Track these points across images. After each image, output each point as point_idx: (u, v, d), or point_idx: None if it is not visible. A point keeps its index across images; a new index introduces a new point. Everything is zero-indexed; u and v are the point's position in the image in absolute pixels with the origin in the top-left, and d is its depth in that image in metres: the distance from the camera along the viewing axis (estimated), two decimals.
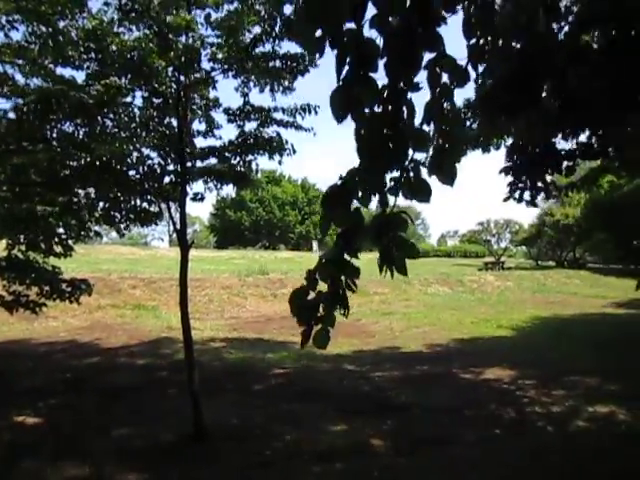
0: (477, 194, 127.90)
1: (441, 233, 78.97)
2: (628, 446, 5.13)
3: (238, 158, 5.95)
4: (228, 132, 6.08)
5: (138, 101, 5.68)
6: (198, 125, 6.04)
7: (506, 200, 5.93)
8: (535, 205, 5.82)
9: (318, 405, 6.47)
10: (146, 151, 5.77)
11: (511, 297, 21.12)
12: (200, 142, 6.07)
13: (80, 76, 5.45)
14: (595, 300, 20.44)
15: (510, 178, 5.96)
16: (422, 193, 1.72)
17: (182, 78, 5.28)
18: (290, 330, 12.59)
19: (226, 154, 5.94)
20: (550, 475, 4.46)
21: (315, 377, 8.00)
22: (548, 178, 5.98)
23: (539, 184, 5.85)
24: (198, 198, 6.12)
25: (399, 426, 5.71)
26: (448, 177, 1.69)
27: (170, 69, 5.21)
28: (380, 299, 18.69)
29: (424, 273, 24.73)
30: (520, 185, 5.85)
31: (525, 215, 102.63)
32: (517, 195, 5.87)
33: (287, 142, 5.94)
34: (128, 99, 5.58)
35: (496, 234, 42.56)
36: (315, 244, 53.51)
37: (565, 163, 5.88)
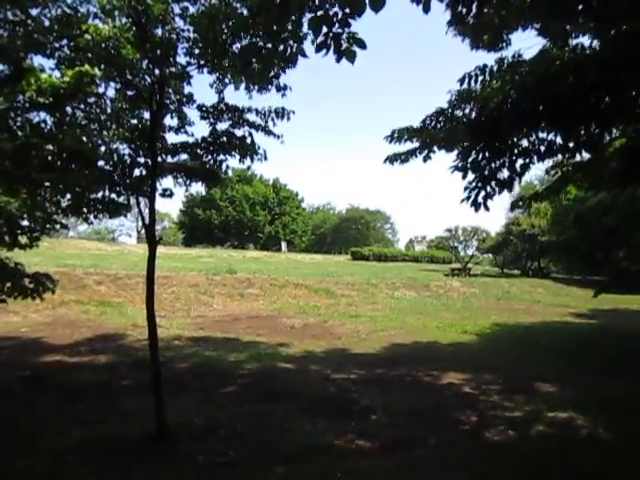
0: (446, 201, 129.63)
1: (409, 238, 79.78)
2: (587, 450, 5.27)
3: (209, 156, 5.91)
4: (200, 130, 6.04)
5: (110, 92, 5.58)
6: (170, 120, 5.97)
7: (463, 201, 5.96)
8: (487, 208, 5.85)
9: (283, 406, 6.46)
10: (116, 144, 5.67)
11: (476, 303, 21.48)
12: (171, 138, 6.00)
13: (51, 65, 5.33)
14: (557, 309, 20.96)
15: (470, 177, 6.00)
16: None
17: (157, 71, 5.20)
18: (257, 330, 12.58)
19: (198, 151, 5.89)
20: (511, 477, 4.54)
21: (281, 378, 7.98)
22: (502, 176, 6.00)
23: (492, 184, 5.90)
24: (167, 194, 6.05)
25: (363, 428, 5.73)
26: None
27: (145, 61, 5.13)
28: (347, 302, 18.79)
29: (391, 277, 25.00)
30: (474, 185, 5.90)
31: (492, 223, 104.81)
32: (472, 196, 5.89)
33: (259, 147, 5.94)
34: (100, 90, 5.48)
35: (463, 241, 43.35)
36: (284, 244, 53.44)
37: (520, 161, 5.97)
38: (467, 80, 6.23)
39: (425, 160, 7.04)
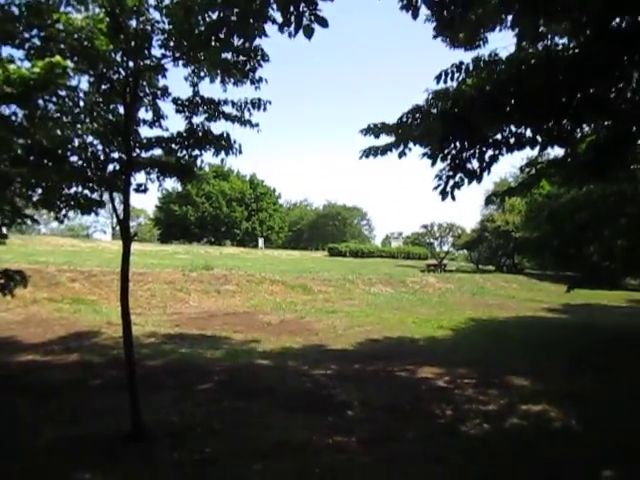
0: (422, 197, 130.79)
1: (386, 234, 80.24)
2: (559, 442, 5.38)
3: (184, 151, 5.83)
4: (175, 123, 5.95)
5: (84, 85, 5.46)
6: (144, 114, 5.86)
7: (434, 189, 6.02)
8: (453, 197, 5.92)
9: (260, 402, 6.43)
10: (90, 138, 5.56)
11: (451, 299, 21.72)
12: (145, 132, 5.90)
13: (20, 56, 5.18)
14: (531, 304, 21.34)
15: (441, 166, 6.05)
16: None
17: (131, 64, 5.10)
18: (233, 326, 12.51)
19: (173, 146, 5.81)
20: (486, 470, 4.60)
21: (258, 374, 7.95)
22: (471, 167, 6.07)
23: (461, 174, 5.97)
24: (141, 189, 5.95)
25: (340, 423, 5.74)
26: None
27: (119, 54, 5.03)
28: (324, 298, 18.81)
29: (368, 273, 25.11)
30: (444, 174, 5.96)
31: (468, 220, 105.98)
32: (442, 184, 5.96)
33: (235, 142, 5.88)
34: (73, 82, 5.35)
35: (439, 237, 43.57)
36: (261, 241, 53.21)
37: (489, 152, 6.05)
38: (444, 77, 6.26)
39: (400, 156, 7.07)
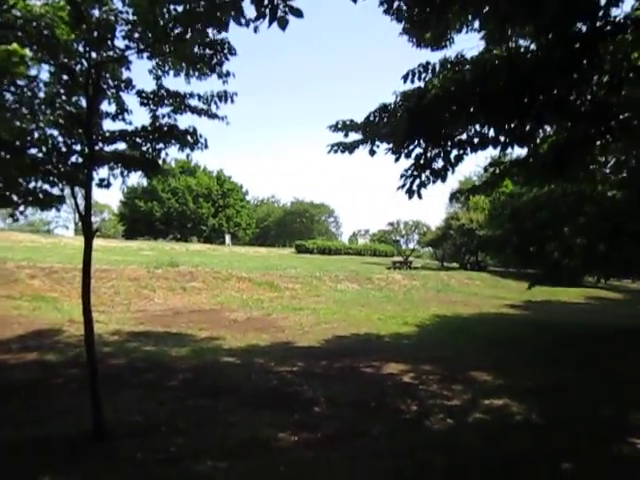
0: (389, 195, 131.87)
1: (353, 231, 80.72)
2: (521, 435, 5.51)
3: (149, 145, 5.72)
4: (139, 117, 5.82)
5: (44, 75, 5.29)
6: (108, 107, 5.73)
7: (399, 189, 6.08)
8: (420, 196, 6.00)
9: (226, 400, 6.38)
10: (50, 130, 5.39)
11: (416, 296, 21.98)
12: (108, 125, 5.77)
13: None
14: (494, 300, 21.80)
15: (406, 165, 6.12)
16: None
17: (94, 55, 4.97)
18: (199, 324, 12.37)
19: (137, 140, 5.69)
20: (450, 464, 4.67)
21: (223, 372, 7.88)
22: (436, 166, 6.16)
23: (427, 173, 6.05)
24: (104, 184, 5.81)
25: (306, 420, 5.75)
26: None
27: (81, 44, 4.88)
28: (291, 295, 18.79)
29: (335, 270, 25.20)
30: (409, 174, 6.03)
31: (433, 218, 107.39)
32: (407, 184, 6.02)
33: (201, 136, 5.80)
34: (33, 72, 5.17)
35: (405, 235, 44.22)
36: (228, 237, 52.82)
37: (454, 152, 6.15)
38: (410, 77, 6.31)
39: (372, 154, 7.11)
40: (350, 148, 7.13)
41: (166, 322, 12.54)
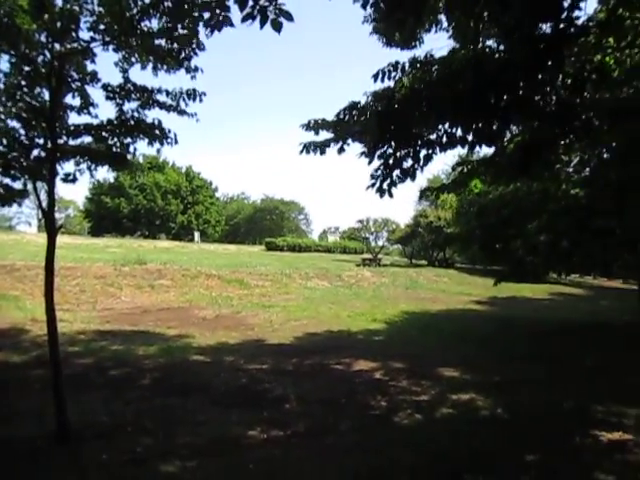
0: (359, 192, 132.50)
1: (323, 229, 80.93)
2: (487, 429, 5.61)
3: (116, 139, 5.60)
4: (105, 111, 5.68)
5: (4, 66, 5.11)
6: (72, 100, 5.57)
7: (368, 188, 6.12)
8: (391, 195, 6.05)
9: (195, 398, 6.31)
10: (11, 122, 5.22)
11: (385, 292, 22.15)
12: (74, 119, 5.60)
13: None
14: (461, 297, 22.14)
15: (376, 165, 6.15)
16: None
17: (57, 46, 4.82)
18: (167, 322, 12.21)
19: (103, 134, 5.56)
20: (418, 458, 4.72)
21: (192, 370, 7.80)
22: (406, 165, 6.21)
23: (397, 172, 6.10)
24: (70, 179, 5.66)
25: (276, 417, 5.73)
26: None
27: (44, 34, 4.73)
28: (260, 292, 18.69)
29: (305, 267, 25.20)
30: (379, 173, 6.07)
31: (402, 216, 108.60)
32: (378, 183, 6.06)
33: (170, 131, 5.71)
34: None
35: (374, 232, 44.53)
36: (197, 235, 52.22)
37: (423, 151, 6.21)
38: (380, 76, 6.33)
39: (340, 152, 7.11)
40: (322, 148, 7.11)
41: (133, 320, 12.33)
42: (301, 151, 7.24)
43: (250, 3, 3.21)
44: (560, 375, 8.55)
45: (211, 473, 4.32)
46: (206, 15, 3.82)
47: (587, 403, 6.74)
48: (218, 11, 3.80)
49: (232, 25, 3.85)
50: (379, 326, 13.28)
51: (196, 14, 3.84)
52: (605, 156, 10.84)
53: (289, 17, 3.26)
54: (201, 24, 3.95)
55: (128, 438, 4.95)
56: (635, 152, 8.35)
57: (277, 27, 3.27)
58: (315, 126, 7.24)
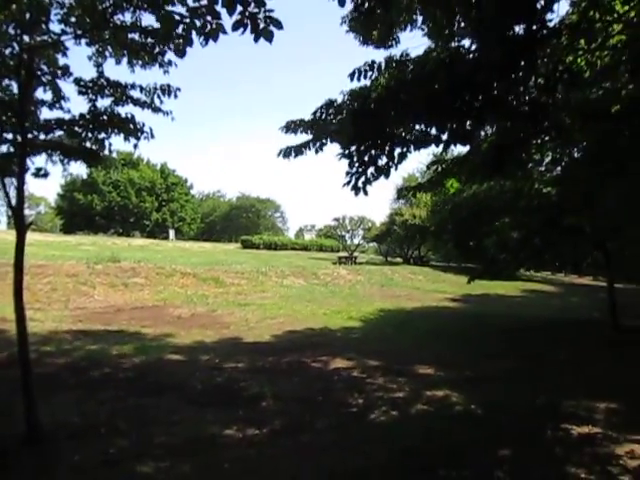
0: (335, 190, 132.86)
1: (299, 227, 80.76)
2: (461, 424, 5.69)
3: (89, 134, 5.49)
4: (78, 106, 5.57)
5: None
6: (43, 94, 5.43)
7: (344, 186, 6.14)
8: (366, 193, 6.09)
9: (169, 398, 6.24)
10: None
11: (361, 290, 22.24)
12: (45, 113, 5.48)
13: None
14: (435, 294, 22.36)
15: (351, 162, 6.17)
16: None
17: (26, 38, 4.70)
18: (141, 321, 12.05)
19: (76, 128, 5.44)
20: (393, 454, 4.76)
21: (167, 369, 7.71)
22: (380, 163, 6.24)
23: (371, 170, 6.13)
24: (41, 174, 5.54)
25: (252, 416, 5.70)
26: None
27: (11, 26, 4.60)
28: (236, 290, 18.60)
29: (281, 265, 25.16)
30: (354, 171, 6.10)
31: (378, 213, 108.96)
32: (353, 181, 6.09)
33: (144, 125, 5.62)
34: None
35: (350, 230, 44.58)
36: (172, 232, 51.67)
37: (398, 149, 6.25)
38: (357, 75, 6.34)
39: (317, 152, 7.08)
40: (299, 150, 7.05)
41: (107, 319, 12.14)
42: (278, 154, 7.18)
43: (239, 9, 3.19)
44: (532, 371, 8.71)
45: (186, 473, 4.27)
46: (198, 23, 3.75)
47: (558, 398, 6.88)
48: (210, 18, 3.74)
49: (225, 32, 3.82)
50: (355, 324, 13.33)
51: (187, 20, 3.76)
52: (576, 155, 11.06)
53: (279, 25, 3.26)
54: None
55: (101, 439, 4.87)
56: (604, 152, 8.53)
57: (269, 37, 3.26)
58: (293, 126, 7.20)
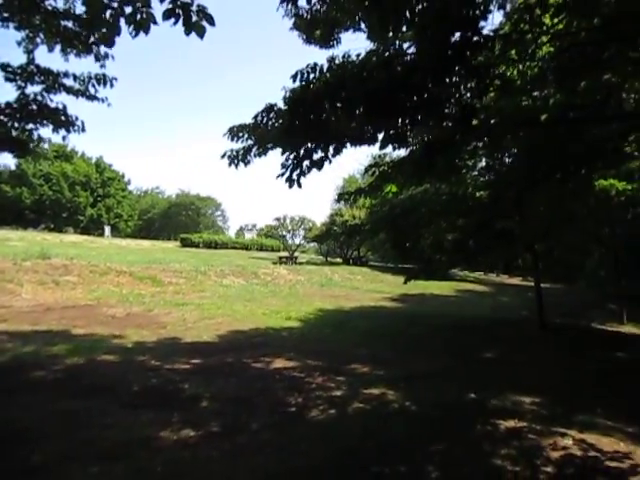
0: (277, 190, 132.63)
1: (240, 226, 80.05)
2: (394, 421, 5.83)
3: (16, 124, 5.23)
4: (6, 93, 5.31)
5: None
6: None
7: (278, 177, 6.17)
8: (300, 185, 6.15)
9: (102, 401, 6.03)
10: None
11: (301, 290, 22.31)
12: None
13: None
14: (373, 294, 22.74)
15: (286, 154, 6.21)
16: None
17: None
18: (73, 321, 11.57)
19: (1, 117, 5.17)
20: (331, 452, 4.81)
21: (100, 371, 7.45)
22: (316, 157, 6.31)
23: (307, 163, 6.20)
24: None
25: (188, 418, 5.61)
26: None
27: None
28: (174, 290, 18.20)
29: (220, 265, 24.85)
30: (289, 163, 6.15)
31: (319, 214, 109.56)
32: (287, 173, 6.13)
33: (77, 118, 5.41)
34: None
35: (291, 230, 44.55)
36: (107, 229, 49.92)
37: (333, 144, 6.35)
38: (299, 77, 6.36)
39: (260, 156, 7.02)
40: (244, 157, 6.94)
41: (35, 319, 11.56)
42: (222, 156, 7.06)
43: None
44: (464, 367, 9.05)
45: (116, 477, 4.15)
46: (128, 10, 3.63)
47: (487, 393, 7.17)
48: (139, 5, 3.64)
49: (155, 23, 3.71)
50: (294, 324, 13.35)
51: (115, 5, 3.63)
52: (507, 160, 11.57)
53: (211, 21, 3.23)
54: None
55: (24, 446, 4.64)
56: (533, 158, 8.97)
57: (200, 32, 3.24)
58: (236, 132, 7.09)
